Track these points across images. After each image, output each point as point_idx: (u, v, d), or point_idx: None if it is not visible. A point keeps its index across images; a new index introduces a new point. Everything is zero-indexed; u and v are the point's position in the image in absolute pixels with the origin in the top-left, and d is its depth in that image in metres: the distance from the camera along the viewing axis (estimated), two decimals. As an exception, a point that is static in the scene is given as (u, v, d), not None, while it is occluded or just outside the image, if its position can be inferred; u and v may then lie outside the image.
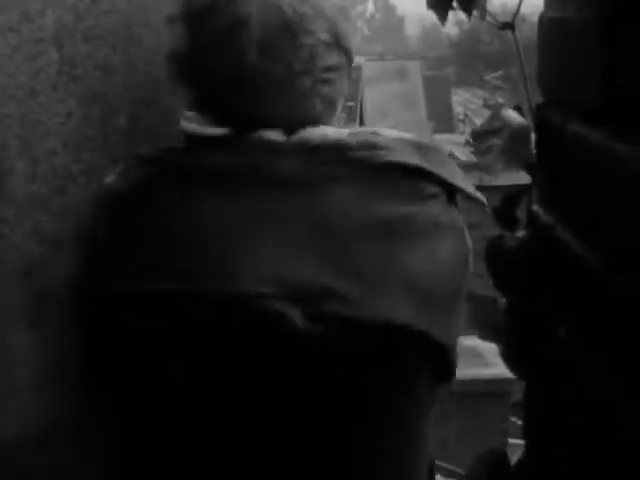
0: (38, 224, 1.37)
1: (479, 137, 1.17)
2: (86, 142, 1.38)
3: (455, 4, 1.08)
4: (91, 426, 1.43)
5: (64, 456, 1.42)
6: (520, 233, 1.03)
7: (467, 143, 1.22)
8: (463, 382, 5.01)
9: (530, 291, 0.98)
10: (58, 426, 1.41)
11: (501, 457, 1.13)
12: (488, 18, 1.07)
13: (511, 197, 1.04)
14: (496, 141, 1.12)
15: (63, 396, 1.41)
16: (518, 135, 1.08)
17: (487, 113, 1.31)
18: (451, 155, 15.26)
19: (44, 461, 1.41)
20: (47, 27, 1.33)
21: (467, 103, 32.20)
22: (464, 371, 5.01)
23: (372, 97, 9.08)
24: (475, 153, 1.15)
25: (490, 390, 4.92)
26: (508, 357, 1.05)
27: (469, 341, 5.39)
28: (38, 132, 1.35)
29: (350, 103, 19.68)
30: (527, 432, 1.09)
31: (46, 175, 1.36)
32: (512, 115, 1.15)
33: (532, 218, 1.01)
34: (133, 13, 1.37)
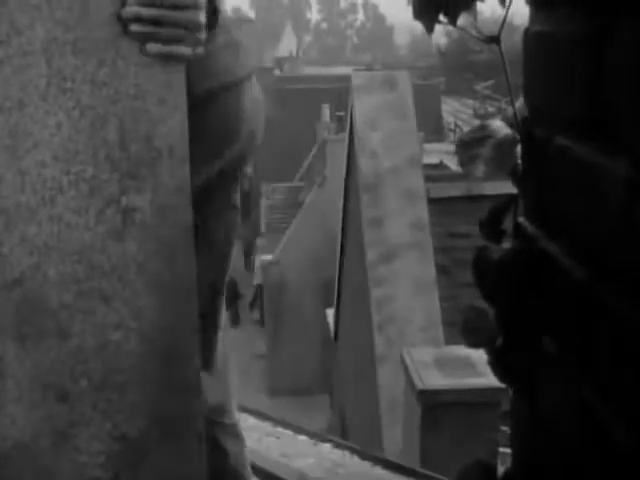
0: (27, 235, 1.37)
1: (465, 145, 1.17)
2: (75, 154, 1.38)
3: (442, 16, 1.08)
4: (75, 435, 1.43)
5: (50, 463, 1.42)
6: (506, 244, 1.04)
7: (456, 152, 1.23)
8: (455, 391, 5.01)
9: (515, 302, 0.99)
10: (44, 435, 1.41)
11: (488, 467, 1.14)
12: (473, 31, 1.07)
13: (497, 209, 1.05)
14: (482, 150, 1.13)
15: (50, 406, 1.41)
16: (503, 145, 1.09)
17: (477, 122, 1.32)
18: (441, 164, 15.28)
19: (30, 468, 1.41)
20: (36, 40, 1.34)
21: (457, 112, 32.28)
22: (456, 380, 5.03)
23: (361, 106, 9.09)
24: (460, 161, 1.15)
25: (481, 399, 4.92)
26: (494, 364, 1.06)
27: (461, 350, 5.40)
28: (27, 143, 1.35)
29: (340, 113, 19.70)
30: (513, 441, 1.10)
31: (35, 186, 1.37)
32: (498, 125, 1.15)
33: (518, 230, 1.02)
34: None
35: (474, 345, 1.16)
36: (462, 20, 1.14)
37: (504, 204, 1.05)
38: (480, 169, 1.12)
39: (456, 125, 29.99)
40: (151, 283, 1.45)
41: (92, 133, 1.39)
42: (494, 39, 1.06)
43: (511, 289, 0.98)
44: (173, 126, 1.44)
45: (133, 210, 1.43)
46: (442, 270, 8.49)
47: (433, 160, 15.24)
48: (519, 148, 1.10)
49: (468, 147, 1.15)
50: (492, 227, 1.04)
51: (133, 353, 1.45)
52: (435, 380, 5.14)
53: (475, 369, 5.01)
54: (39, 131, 1.36)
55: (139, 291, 1.44)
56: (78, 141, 1.38)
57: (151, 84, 1.42)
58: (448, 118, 31.55)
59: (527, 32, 1.01)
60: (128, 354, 1.44)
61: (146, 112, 1.42)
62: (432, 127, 26.90)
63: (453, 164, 13.87)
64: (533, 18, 1.00)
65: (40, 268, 1.38)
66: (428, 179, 9.16)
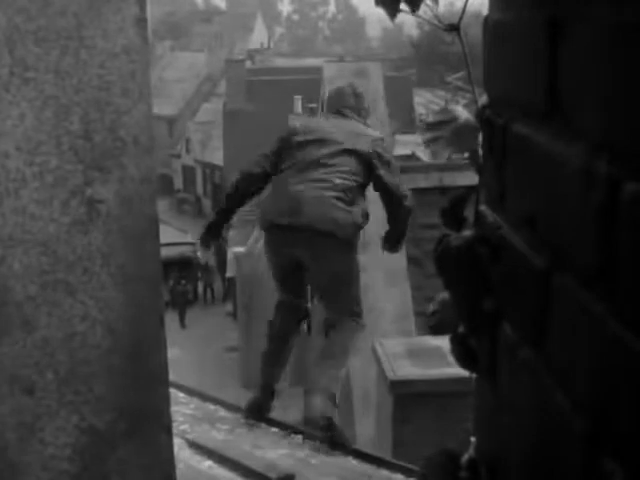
0: (-10, 227, 1.36)
1: (430, 127, 1.23)
2: (39, 145, 1.37)
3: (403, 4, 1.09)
4: (42, 428, 1.43)
5: (17, 457, 1.42)
6: (467, 232, 1.04)
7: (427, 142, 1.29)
8: (426, 382, 5.03)
9: (475, 289, 1.00)
10: (10, 428, 1.41)
11: (452, 455, 1.14)
12: (433, 19, 1.08)
13: (458, 197, 1.06)
14: (444, 132, 1.18)
15: (16, 399, 1.40)
16: (464, 129, 1.11)
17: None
18: (413, 155, 15.32)
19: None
20: (-2, 29, 1.33)
21: (429, 104, 32.34)
22: (427, 371, 5.05)
23: (333, 98, 9.08)
24: (424, 141, 1.21)
25: (453, 389, 4.94)
26: (456, 351, 1.07)
27: (432, 341, 5.42)
28: (-10, 135, 1.34)
29: (312, 105, 19.66)
30: (476, 428, 1.11)
31: (-2, 178, 1.36)
32: (460, 110, 1.20)
33: (479, 218, 1.03)
34: (85, 15, 1.37)
35: (438, 333, 1.17)
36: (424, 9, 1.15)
37: (465, 192, 1.06)
38: (443, 149, 1.17)
39: (428, 116, 30.08)
40: (117, 275, 1.44)
41: (56, 124, 1.38)
42: (454, 27, 1.07)
43: (471, 276, 0.99)
44: (138, 117, 1.43)
45: (98, 201, 1.43)
46: (413, 261, 8.52)
47: (405, 151, 15.27)
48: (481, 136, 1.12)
49: (432, 129, 1.21)
50: (452, 215, 1.05)
51: (99, 345, 1.44)
52: (407, 370, 5.16)
53: (446, 359, 5.03)
54: (2, 122, 1.35)
55: (105, 283, 1.44)
56: (42, 132, 1.37)
57: (115, 75, 1.41)
58: (420, 110, 31.64)
59: (487, 20, 1.02)
60: (94, 346, 1.44)
61: (110, 103, 1.41)
62: (404, 119, 26.97)
63: (425, 155, 13.91)
64: (493, 6, 1.00)
65: (5, 260, 1.37)
66: (400, 170, 9.17)
